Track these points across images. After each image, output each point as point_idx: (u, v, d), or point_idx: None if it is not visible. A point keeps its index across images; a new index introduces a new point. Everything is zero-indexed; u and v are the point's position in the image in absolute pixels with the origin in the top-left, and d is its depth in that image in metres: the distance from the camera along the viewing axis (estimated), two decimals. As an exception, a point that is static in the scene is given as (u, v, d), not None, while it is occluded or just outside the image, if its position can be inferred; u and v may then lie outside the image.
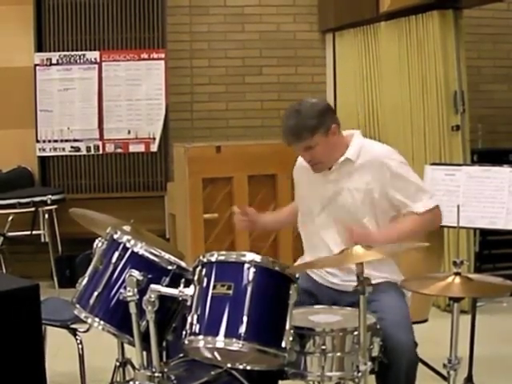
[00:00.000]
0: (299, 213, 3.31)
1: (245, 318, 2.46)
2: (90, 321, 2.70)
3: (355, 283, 2.59)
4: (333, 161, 3.13)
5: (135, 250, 2.71)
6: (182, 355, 2.79)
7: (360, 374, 2.56)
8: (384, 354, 2.78)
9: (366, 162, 3.12)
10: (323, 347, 2.65)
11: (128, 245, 2.72)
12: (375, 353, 2.72)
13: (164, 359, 2.78)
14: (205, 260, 2.60)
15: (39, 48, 6.18)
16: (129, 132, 6.26)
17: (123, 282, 2.63)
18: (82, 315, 2.71)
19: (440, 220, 3.20)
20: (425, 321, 3.68)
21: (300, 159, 3.31)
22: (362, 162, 3.13)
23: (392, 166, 3.11)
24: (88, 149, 6.24)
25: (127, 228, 3.11)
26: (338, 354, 2.67)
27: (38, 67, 6.16)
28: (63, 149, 6.23)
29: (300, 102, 3.17)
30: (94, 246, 2.82)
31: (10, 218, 5.83)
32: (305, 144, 3.05)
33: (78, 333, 3.62)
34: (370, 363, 2.61)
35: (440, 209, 3.17)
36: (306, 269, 3.18)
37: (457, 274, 2.56)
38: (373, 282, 2.96)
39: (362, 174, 3.11)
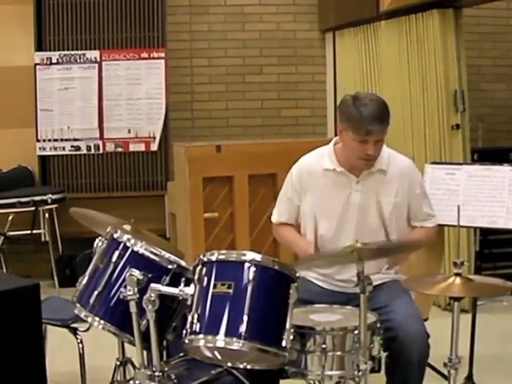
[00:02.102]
0: (309, 220, 3.20)
1: (245, 317, 2.46)
2: (90, 320, 2.70)
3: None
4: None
5: (135, 249, 2.71)
6: (182, 354, 2.79)
7: (360, 373, 2.57)
8: (394, 345, 2.79)
9: (396, 174, 3.15)
10: (324, 346, 2.65)
11: (128, 244, 2.72)
12: (375, 352, 2.73)
13: (164, 358, 2.79)
14: (205, 259, 2.60)
15: (39, 47, 6.18)
16: (129, 131, 6.26)
17: (123, 281, 2.63)
18: (83, 314, 2.71)
19: (434, 237, 3.34)
20: (425, 320, 3.68)
21: (304, 161, 3.28)
22: (392, 173, 3.15)
23: (421, 186, 3.24)
24: (88, 148, 6.24)
25: (127, 227, 3.11)
26: (339, 352, 2.67)
27: (38, 66, 6.16)
28: (63, 148, 6.23)
29: (364, 93, 3.13)
30: (95, 245, 2.82)
31: (11, 217, 5.82)
32: (382, 134, 3.00)
33: (78, 332, 3.62)
34: (370, 362, 2.61)
35: (436, 228, 3.32)
36: (309, 265, 3.18)
37: (457, 274, 2.56)
38: (380, 281, 3.01)
39: (392, 186, 3.14)
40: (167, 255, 2.73)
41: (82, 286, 2.77)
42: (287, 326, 2.52)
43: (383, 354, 2.80)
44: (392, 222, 3.14)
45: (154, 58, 6.24)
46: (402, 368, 2.86)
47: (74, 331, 3.62)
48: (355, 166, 3.11)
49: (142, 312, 2.58)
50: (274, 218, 3.35)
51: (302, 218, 3.25)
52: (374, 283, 2.73)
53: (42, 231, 5.91)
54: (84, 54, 6.20)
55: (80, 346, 3.62)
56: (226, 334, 2.46)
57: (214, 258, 2.59)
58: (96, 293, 2.69)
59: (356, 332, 2.62)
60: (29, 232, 5.83)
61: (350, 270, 3.00)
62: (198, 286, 2.57)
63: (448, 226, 3.88)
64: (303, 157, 3.30)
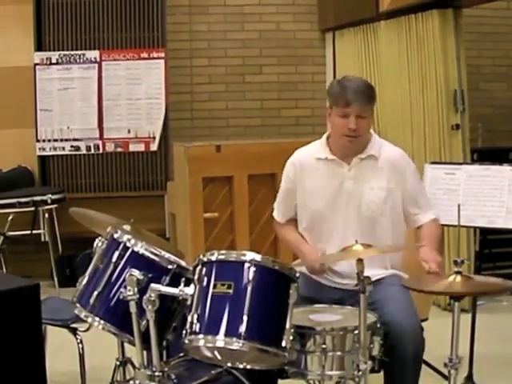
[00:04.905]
0: (304, 210, 3.25)
1: (245, 317, 2.46)
2: (90, 320, 2.70)
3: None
4: (361, 146, 3.13)
5: (135, 249, 2.71)
6: (182, 354, 2.79)
7: (360, 373, 2.57)
8: (389, 340, 2.78)
9: (387, 162, 3.16)
10: (323, 346, 2.65)
11: (128, 244, 2.72)
12: (375, 352, 2.73)
13: (164, 358, 2.79)
14: (205, 259, 2.60)
15: (39, 47, 6.18)
16: (129, 131, 6.26)
17: (123, 281, 2.63)
18: (83, 314, 2.72)
19: (439, 232, 3.30)
20: (425, 320, 3.68)
21: (297, 154, 3.29)
22: (383, 160, 3.16)
23: (413, 173, 3.22)
24: (88, 148, 6.24)
25: (127, 227, 3.11)
26: (339, 353, 2.68)
27: (37, 66, 6.16)
28: (63, 148, 6.23)
29: (351, 75, 3.29)
30: (94, 245, 2.82)
31: (10, 217, 5.82)
32: (361, 108, 3.04)
33: (78, 332, 3.62)
34: (370, 362, 2.61)
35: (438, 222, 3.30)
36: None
37: (457, 273, 2.57)
38: (378, 277, 3.01)
39: (384, 173, 3.14)
40: (167, 255, 2.73)
41: (82, 286, 2.77)
42: (287, 326, 2.52)
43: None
44: (386, 210, 3.13)
45: (153, 58, 6.24)
46: (398, 362, 2.84)
47: (74, 331, 3.62)
48: (342, 145, 3.13)
49: (142, 312, 2.58)
50: (277, 216, 3.38)
51: (299, 209, 3.27)
52: (373, 278, 2.74)
53: (41, 231, 5.91)
54: (84, 54, 6.19)
55: (80, 346, 3.62)
56: (226, 334, 2.46)
57: (213, 258, 2.59)
58: (96, 293, 2.69)
59: (356, 332, 2.62)
60: (29, 232, 5.83)
61: (344, 263, 3.03)
62: (197, 286, 2.57)
63: (448, 225, 3.88)
64: (297, 151, 3.33)
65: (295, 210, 3.29)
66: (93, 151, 6.25)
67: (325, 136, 3.26)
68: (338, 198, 3.14)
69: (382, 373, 2.88)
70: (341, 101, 3.05)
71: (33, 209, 5.83)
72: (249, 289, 2.49)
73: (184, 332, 2.55)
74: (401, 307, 2.92)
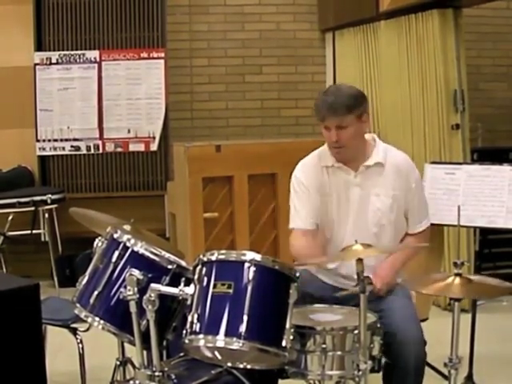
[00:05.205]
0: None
1: (245, 317, 2.46)
2: (90, 320, 2.70)
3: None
4: (355, 154, 3.12)
5: (135, 249, 2.71)
6: (182, 354, 2.79)
7: (360, 372, 2.57)
8: (391, 350, 2.79)
9: (393, 168, 3.15)
10: (324, 346, 2.65)
11: (128, 244, 2.72)
12: (375, 352, 2.73)
13: (164, 358, 2.79)
14: (205, 259, 2.60)
15: (39, 47, 6.18)
16: (129, 131, 6.26)
17: (123, 281, 2.63)
18: (82, 314, 2.72)
19: (428, 240, 3.30)
20: (425, 320, 3.68)
21: (304, 162, 3.29)
22: (389, 166, 3.14)
23: (417, 180, 3.21)
24: (88, 148, 6.24)
25: (127, 227, 3.11)
26: (339, 352, 2.67)
27: (37, 66, 6.16)
28: (63, 148, 6.23)
29: (338, 83, 3.21)
30: (94, 245, 2.82)
31: (10, 217, 5.82)
32: (338, 121, 3.02)
33: (78, 332, 3.63)
34: (370, 362, 2.61)
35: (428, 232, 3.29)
36: (309, 264, 3.19)
37: (457, 275, 2.57)
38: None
39: (390, 180, 3.13)
40: (167, 255, 2.73)
41: (81, 286, 2.77)
42: (287, 325, 2.52)
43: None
44: (392, 217, 3.13)
45: (153, 58, 6.24)
46: (399, 374, 2.85)
47: (74, 331, 3.63)
48: (334, 156, 3.14)
49: (142, 312, 2.58)
50: (299, 224, 3.20)
51: None
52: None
53: (41, 231, 5.91)
54: (84, 54, 6.20)
55: (80, 346, 3.62)
56: (226, 334, 2.46)
57: (213, 258, 2.59)
58: (96, 293, 2.69)
59: (356, 332, 2.62)
60: (29, 232, 5.83)
61: (350, 265, 3.02)
62: (197, 286, 2.57)
63: (448, 225, 3.88)
64: (302, 160, 3.31)
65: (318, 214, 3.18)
66: (93, 151, 6.25)
67: (326, 144, 3.25)
68: (344, 205, 3.14)
69: (381, 374, 2.89)
70: (319, 115, 3.10)
71: (33, 209, 5.83)
72: (249, 288, 2.49)
73: (184, 332, 2.55)
74: (405, 319, 2.91)
